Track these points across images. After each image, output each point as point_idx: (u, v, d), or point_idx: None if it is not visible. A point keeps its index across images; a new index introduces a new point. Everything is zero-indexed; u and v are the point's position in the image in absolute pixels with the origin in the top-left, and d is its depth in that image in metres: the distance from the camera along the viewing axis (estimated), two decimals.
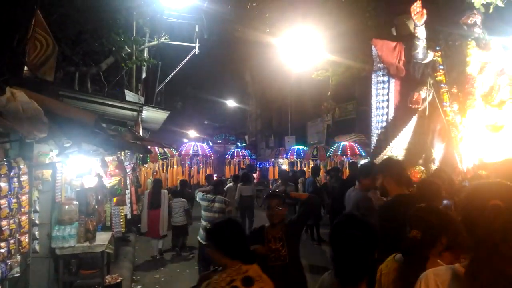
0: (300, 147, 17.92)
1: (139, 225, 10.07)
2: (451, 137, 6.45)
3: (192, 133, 30.84)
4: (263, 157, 28.46)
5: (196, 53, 14.25)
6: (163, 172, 13.64)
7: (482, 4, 5.67)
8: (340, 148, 13.26)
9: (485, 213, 1.20)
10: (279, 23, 11.33)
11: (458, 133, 6.40)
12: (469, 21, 6.73)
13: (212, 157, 19.36)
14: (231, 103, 33.36)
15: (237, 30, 14.97)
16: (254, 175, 18.13)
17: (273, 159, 20.84)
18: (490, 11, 5.82)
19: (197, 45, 14.13)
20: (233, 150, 23.76)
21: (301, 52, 11.52)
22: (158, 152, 12.66)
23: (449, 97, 6.69)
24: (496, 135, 6.45)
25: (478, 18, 6.69)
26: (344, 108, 19.88)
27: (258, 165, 25.37)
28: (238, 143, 35.45)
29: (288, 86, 22.65)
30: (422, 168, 6.73)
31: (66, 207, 5.25)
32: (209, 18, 12.99)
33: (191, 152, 16.85)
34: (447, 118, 6.56)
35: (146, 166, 12.17)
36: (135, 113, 8.80)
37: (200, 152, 17.16)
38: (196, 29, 13.95)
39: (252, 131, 36.97)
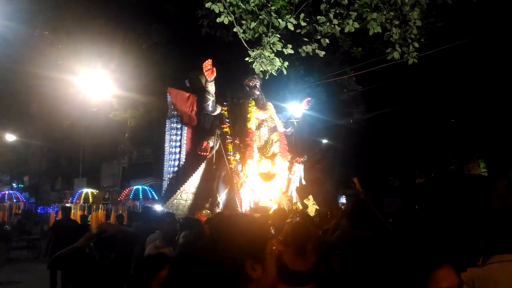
0: (90, 190, 16.50)
1: None
2: (233, 183, 7.13)
3: None
4: (46, 201, 24.92)
5: None
6: None
7: (261, 71, 6.66)
8: (132, 192, 12.90)
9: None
10: (74, 57, 10.58)
11: (239, 180, 7.13)
12: (250, 84, 7.81)
13: None
14: (10, 137, 28.38)
15: (23, 56, 13.15)
16: None
17: (57, 204, 18.48)
18: (266, 78, 6.86)
19: None
20: (4, 192, 19.84)
21: (97, 89, 10.95)
22: None
23: (233, 147, 7.47)
24: (269, 183, 7.49)
25: (258, 82, 7.83)
26: (142, 151, 19.68)
27: (39, 210, 22.03)
28: (14, 184, 30.12)
29: (83, 124, 21.00)
30: (208, 211, 7.16)
31: None
32: None
33: None
34: (230, 166, 7.26)
35: None
36: None
37: None
38: None
39: (35, 171, 32.17)
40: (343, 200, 17.38)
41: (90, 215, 13.99)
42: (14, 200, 18.56)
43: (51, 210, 20.22)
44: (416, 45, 6.29)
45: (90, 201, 15.27)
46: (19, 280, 9.00)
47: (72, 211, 14.65)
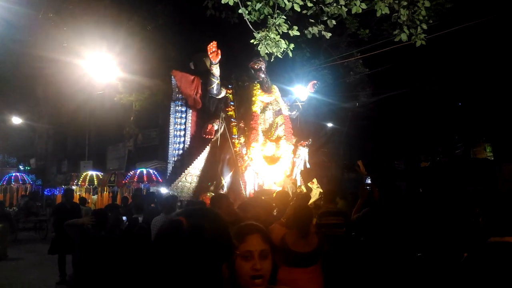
0: (95, 173, 16.63)
1: None
2: (238, 166, 7.14)
3: None
4: (53, 184, 25.21)
5: None
6: None
7: (266, 53, 6.58)
8: (137, 174, 13.02)
9: None
10: (79, 39, 10.51)
11: (244, 163, 7.13)
12: (256, 66, 7.72)
13: None
14: (16, 120, 28.50)
15: (28, 38, 13.09)
16: None
17: (63, 186, 18.66)
18: (271, 60, 6.79)
19: None
20: (10, 175, 20.03)
21: (102, 72, 10.92)
22: None
23: (238, 131, 7.44)
24: (273, 166, 7.49)
25: (263, 65, 7.74)
26: (148, 134, 19.74)
27: (46, 192, 22.30)
28: (21, 167, 30.45)
29: (89, 107, 21.02)
30: (213, 194, 7.19)
31: None
32: None
33: None
34: (235, 149, 7.25)
35: None
36: None
37: None
38: None
39: (42, 153, 32.43)
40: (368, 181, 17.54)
41: (96, 197, 14.16)
42: (21, 182, 18.77)
43: (57, 192, 20.44)
44: (424, 26, 6.18)
45: (95, 183, 15.42)
46: (26, 258, 9.22)
47: (78, 193, 14.86)
